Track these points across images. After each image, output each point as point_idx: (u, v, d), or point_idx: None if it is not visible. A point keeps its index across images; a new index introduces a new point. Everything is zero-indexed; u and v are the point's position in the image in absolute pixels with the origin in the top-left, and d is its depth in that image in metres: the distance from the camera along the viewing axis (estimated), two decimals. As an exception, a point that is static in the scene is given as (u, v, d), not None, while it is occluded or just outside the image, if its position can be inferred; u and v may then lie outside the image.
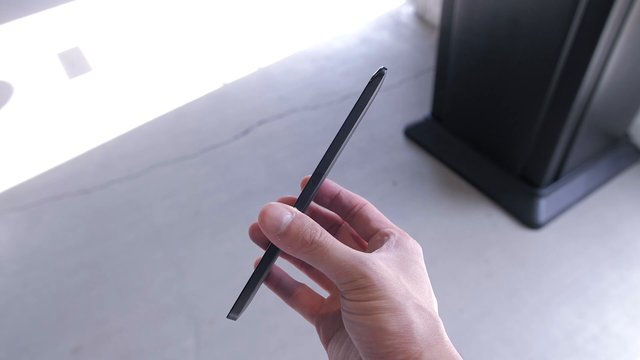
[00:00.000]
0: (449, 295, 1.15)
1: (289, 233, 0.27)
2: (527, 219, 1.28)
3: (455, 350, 0.27)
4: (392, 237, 0.31)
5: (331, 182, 0.34)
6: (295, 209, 0.27)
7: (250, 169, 1.50)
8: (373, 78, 0.31)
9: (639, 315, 1.11)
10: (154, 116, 1.72)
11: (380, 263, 0.27)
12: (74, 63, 2.00)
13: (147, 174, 1.51)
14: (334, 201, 0.34)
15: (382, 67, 0.31)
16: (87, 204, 1.43)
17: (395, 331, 0.25)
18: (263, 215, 0.27)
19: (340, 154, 0.31)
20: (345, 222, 0.35)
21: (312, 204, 0.35)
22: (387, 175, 1.44)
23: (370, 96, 0.31)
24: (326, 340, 0.32)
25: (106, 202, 1.43)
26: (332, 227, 0.35)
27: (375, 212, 0.33)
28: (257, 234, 0.33)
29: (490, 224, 1.30)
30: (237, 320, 1.19)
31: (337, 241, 0.27)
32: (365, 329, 0.26)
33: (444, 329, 0.27)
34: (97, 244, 1.32)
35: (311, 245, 0.27)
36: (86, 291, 1.21)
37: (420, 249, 0.31)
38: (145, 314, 1.16)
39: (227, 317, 0.32)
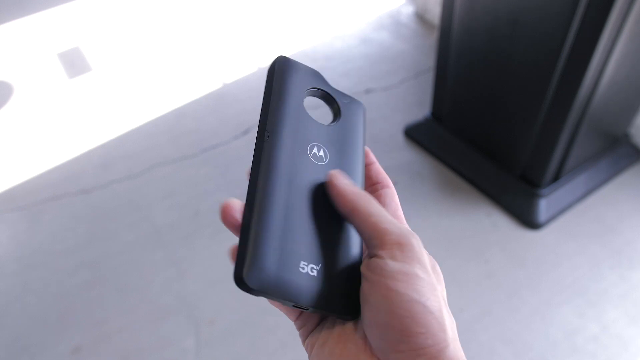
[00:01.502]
0: (449, 295, 1.14)
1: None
2: (527, 219, 1.28)
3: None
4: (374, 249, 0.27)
5: (370, 153, 0.35)
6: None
7: (250, 169, 1.50)
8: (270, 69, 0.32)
9: (639, 315, 1.11)
10: (154, 116, 1.72)
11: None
12: (74, 63, 2.00)
13: (147, 174, 1.51)
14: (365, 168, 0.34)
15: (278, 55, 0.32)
16: (87, 204, 1.43)
17: (435, 310, 0.23)
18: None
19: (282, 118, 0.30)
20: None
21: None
22: (387, 175, 1.44)
23: (271, 87, 0.31)
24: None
25: (106, 202, 1.43)
26: (375, 185, 0.34)
27: (386, 203, 0.32)
28: (228, 217, 0.27)
29: (490, 224, 1.30)
30: (237, 320, 1.19)
31: None
32: (403, 302, 0.23)
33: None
34: (97, 244, 1.32)
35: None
36: (86, 291, 1.21)
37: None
38: (145, 314, 1.16)
39: (239, 280, 0.25)
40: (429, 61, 1.85)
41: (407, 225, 0.29)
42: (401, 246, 0.25)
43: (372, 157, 0.34)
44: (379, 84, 1.75)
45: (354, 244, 0.29)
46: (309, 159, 0.30)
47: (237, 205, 0.27)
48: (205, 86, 1.83)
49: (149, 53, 2.03)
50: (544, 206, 1.28)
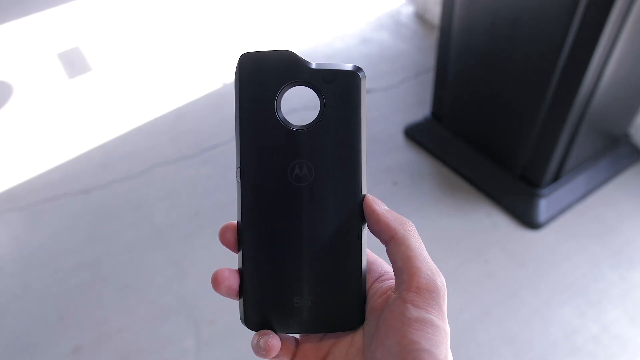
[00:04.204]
0: (449, 295, 1.15)
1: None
2: (527, 219, 1.28)
3: None
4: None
5: (370, 203, 0.31)
6: None
7: (250, 169, 1.50)
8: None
9: (639, 315, 1.11)
10: (154, 116, 1.72)
11: None
12: (74, 63, 2.00)
13: (147, 174, 1.51)
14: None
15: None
16: (87, 204, 1.43)
17: (442, 358, 0.25)
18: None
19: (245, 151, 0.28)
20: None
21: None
22: (387, 175, 1.44)
23: (238, 105, 0.28)
24: None
25: (106, 202, 1.43)
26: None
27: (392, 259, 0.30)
28: (227, 235, 0.30)
29: (490, 224, 1.30)
30: (237, 320, 1.19)
31: None
32: (414, 350, 0.25)
33: None
34: (97, 244, 1.32)
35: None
36: (86, 291, 1.21)
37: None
38: (145, 314, 1.16)
39: (242, 322, 0.30)
40: (429, 61, 1.85)
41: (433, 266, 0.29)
42: (426, 292, 0.26)
43: (372, 206, 0.30)
44: (379, 84, 1.75)
45: (348, 259, 0.29)
46: (289, 184, 0.28)
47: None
48: (205, 86, 1.83)
49: (149, 53, 2.03)
50: (544, 206, 1.28)
